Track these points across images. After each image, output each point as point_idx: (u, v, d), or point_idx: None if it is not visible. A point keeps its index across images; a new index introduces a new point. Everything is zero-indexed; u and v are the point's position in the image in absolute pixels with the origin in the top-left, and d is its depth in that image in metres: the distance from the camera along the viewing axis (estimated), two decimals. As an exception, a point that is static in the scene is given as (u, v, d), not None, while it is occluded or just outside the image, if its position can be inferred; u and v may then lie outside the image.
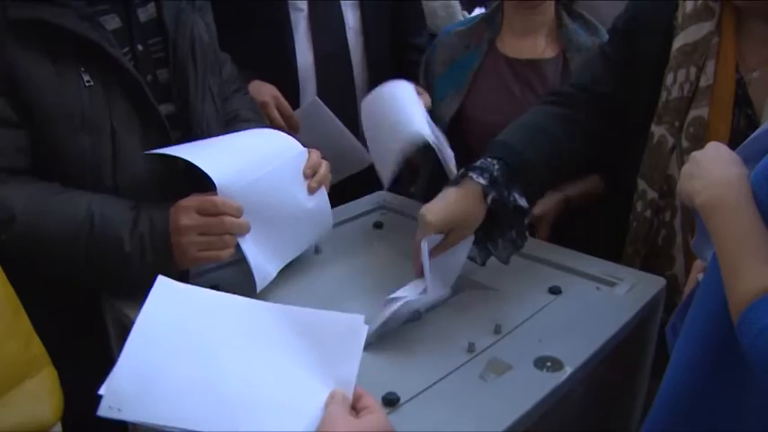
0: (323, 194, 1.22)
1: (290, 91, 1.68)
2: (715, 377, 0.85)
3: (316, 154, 1.23)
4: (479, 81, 1.56)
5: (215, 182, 1.05)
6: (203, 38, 1.24)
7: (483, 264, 1.18)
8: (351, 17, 1.73)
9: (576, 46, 1.53)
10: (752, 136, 0.88)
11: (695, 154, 0.92)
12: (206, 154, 1.10)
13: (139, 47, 1.17)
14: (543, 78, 1.53)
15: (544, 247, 1.30)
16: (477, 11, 2.33)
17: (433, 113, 1.55)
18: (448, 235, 1.09)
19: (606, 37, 1.53)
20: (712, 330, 0.84)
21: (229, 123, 1.36)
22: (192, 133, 1.22)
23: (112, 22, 1.14)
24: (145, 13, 1.19)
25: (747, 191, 0.81)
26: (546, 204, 1.52)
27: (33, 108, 1.06)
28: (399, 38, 1.87)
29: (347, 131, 1.68)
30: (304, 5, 1.68)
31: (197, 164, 1.05)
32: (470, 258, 1.17)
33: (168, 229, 1.06)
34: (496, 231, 1.15)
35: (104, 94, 1.10)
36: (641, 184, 1.26)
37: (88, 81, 1.09)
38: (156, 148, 1.13)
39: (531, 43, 1.56)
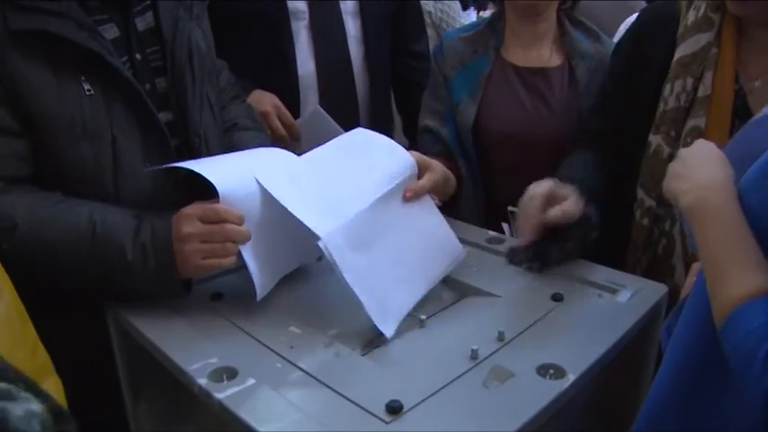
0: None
1: (291, 100, 1.68)
2: (703, 379, 0.85)
3: None
4: (490, 89, 1.55)
5: (217, 189, 1.05)
6: (200, 46, 1.24)
7: (539, 270, 1.21)
8: (351, 25, 1.74)
9: (579, 53, 1.53)
10: (737, 135, 0.88)
11: (683, 151, 0.92)
12: (209, 164, 1.10)
13: (138, 56, 1.17)
14: (551, 87, 1.53)
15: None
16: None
17: (457, 120, 1.55)
18: None
19: (607, 43, 1.55)
20: (701, 333, 0.84)
21: (228, 132, 1.36)
22: (190, 141, 1.22)
23: (111, 32, 1.14)
24: (143, 23, 1.19)
25: (732, 193, 0.81)
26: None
27: (34, 117, 1.07)
28: (399, 44, 1.88)
29: None
30: (305, 14, 1.68)
31: (200, 172, 1.05)
32: (528, 268, 1.21)
33: (171, 237, 1.06)
34: (555, 241, 1.17)
35: (104, 102, 1.10)
36: (640, 193, 1.26)
37: (88, 90, 1.09)
38: (156, 156, 1.14)
39: (537, 52, 1.55)
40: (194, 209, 1.07)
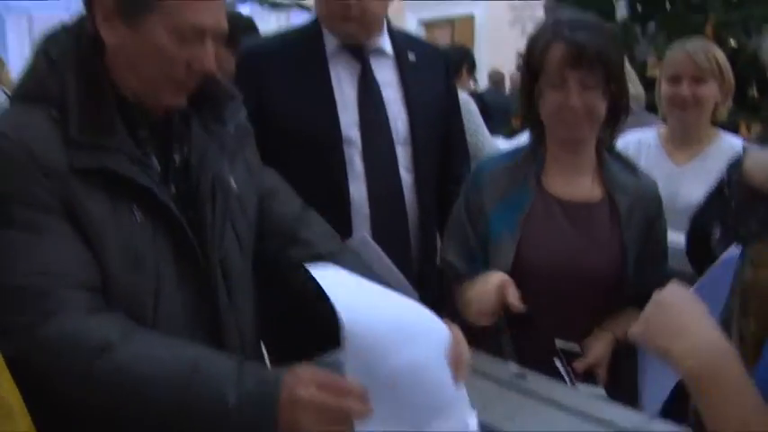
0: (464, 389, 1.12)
1: (342, 224, 1.69)
2: None
3: (459, 333, 1.15)
4: (532, 223, 1.53)
5: (344, 334, 0.97)
6: (225, 180, 1.26)
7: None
8: (402, 154, 1.77)
9: (620, 187, 1.53)
10: (705, 276, 0.85)
11: (661, 298, 0.87)
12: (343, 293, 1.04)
13: (173, 188, 1.22)
14: (595, 221, 1.53)
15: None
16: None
17: (491, 257, 1.54)
18: None
19: (642, 176, 1.57)
20: None
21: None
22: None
23: (153, 164, 1.20)
24: (179, 155, 1.24)
25: (736, 357, 0.77)
26: (598, 349, 1.49)
27: (94, 248, 1.10)
28: (445, 170, 1.90)
29: (396, 270, 1.64)
30: (358, 142, 1.73)
31: (337, 308, 0.99)
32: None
33: (279, 395, 1.00)
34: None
35: (152, 230, 1.15)
36: None
37: (139, 218, 1.14)
38: (189, 281, 1.19)
39: (579, 182, 1.55)
40: (314, 374, 1.02)
